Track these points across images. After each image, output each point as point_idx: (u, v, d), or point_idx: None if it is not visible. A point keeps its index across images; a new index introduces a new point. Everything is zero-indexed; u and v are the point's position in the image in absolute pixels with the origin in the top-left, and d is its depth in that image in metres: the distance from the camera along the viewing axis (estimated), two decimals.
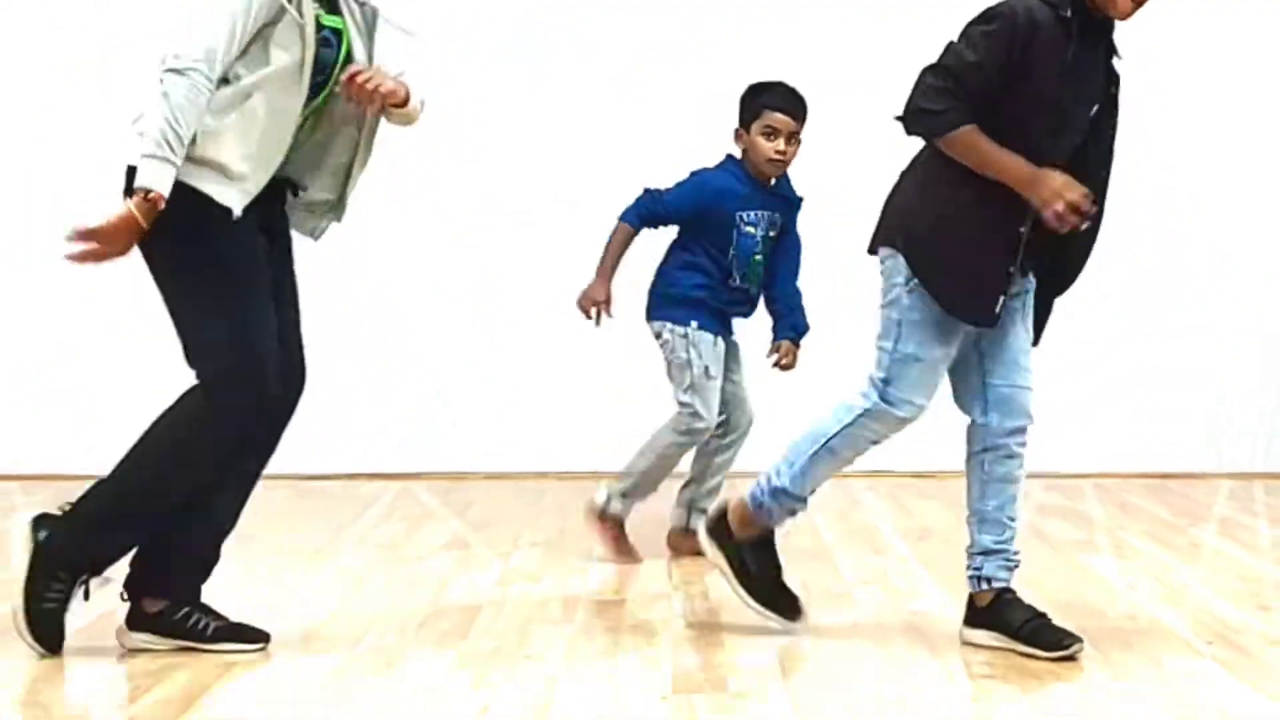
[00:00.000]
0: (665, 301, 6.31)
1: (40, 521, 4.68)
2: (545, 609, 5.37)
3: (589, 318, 6.34)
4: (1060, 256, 4.77)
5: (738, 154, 6.30)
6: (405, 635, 4.97)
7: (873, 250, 4.83)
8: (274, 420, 4.78)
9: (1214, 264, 8.53)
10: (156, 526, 4.76)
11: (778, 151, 6.20)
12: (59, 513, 4.71)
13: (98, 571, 4.75)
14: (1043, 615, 4.76)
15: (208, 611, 4.85)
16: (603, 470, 8.11)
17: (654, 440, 6.27)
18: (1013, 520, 4.85)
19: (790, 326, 6.45)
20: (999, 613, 4.80)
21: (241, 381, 4.62)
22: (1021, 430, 4.83)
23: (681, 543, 6.29)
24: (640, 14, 8.58)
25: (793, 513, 4.91)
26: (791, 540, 6.54)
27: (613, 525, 6.27)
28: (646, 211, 6.26)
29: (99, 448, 7.96)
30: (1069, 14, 4.55)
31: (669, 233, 6.39)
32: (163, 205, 4.43)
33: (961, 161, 4.57)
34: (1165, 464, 8.38)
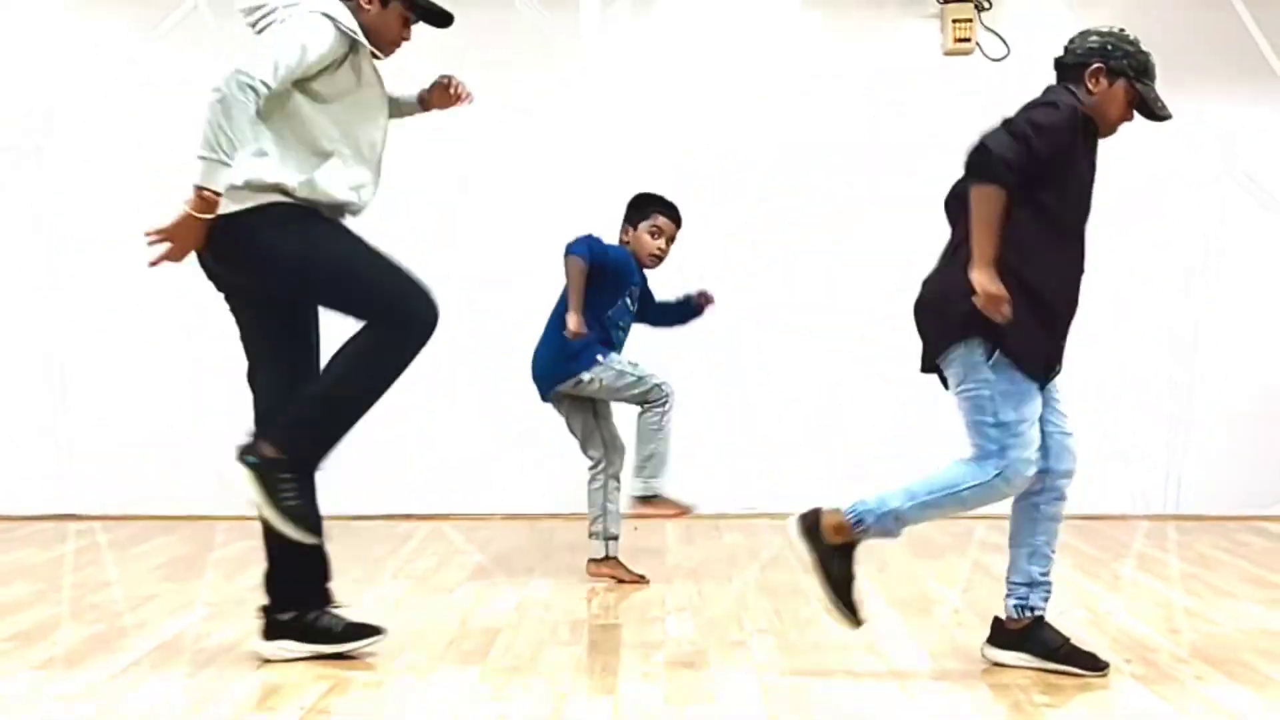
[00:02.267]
0: (568, 358, 6.37)
1: (245, 451, 4.59)
2: (556, 632, 5.36)
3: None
4: None
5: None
6: (435, 653, 4.97)
7: (937, 356, 4.80)
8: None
9: (1126, 328, 8.52)
10: (347, 430, 4.71)
11: (659, 248, 6.49)
12: (252, 438, 4.66)
13: (312, 468, 4.73)
14: (1069, 639, 4.80)
15: (333, 613, 4.90)
16: None
17: (643, 427, 6.38)
18: (1053, 554, 4.89)
19: (683, 301, 6.77)
20: (1036, 636, 4.81)
21: (424, 295, 4.64)
22: (1071, 474, 4.91)
23: (601, 568, 6.47)
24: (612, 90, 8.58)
25: (887, 535, 4.79)
26: (767, 575, 6.57)
27: (662, 500, 6.40)
28: (596, 250, 6.34)
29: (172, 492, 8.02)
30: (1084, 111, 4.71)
31: None
32: (217, 202, 4.43)
33: (972, 208, 4.50)
34: (1090, 507, 8.35)
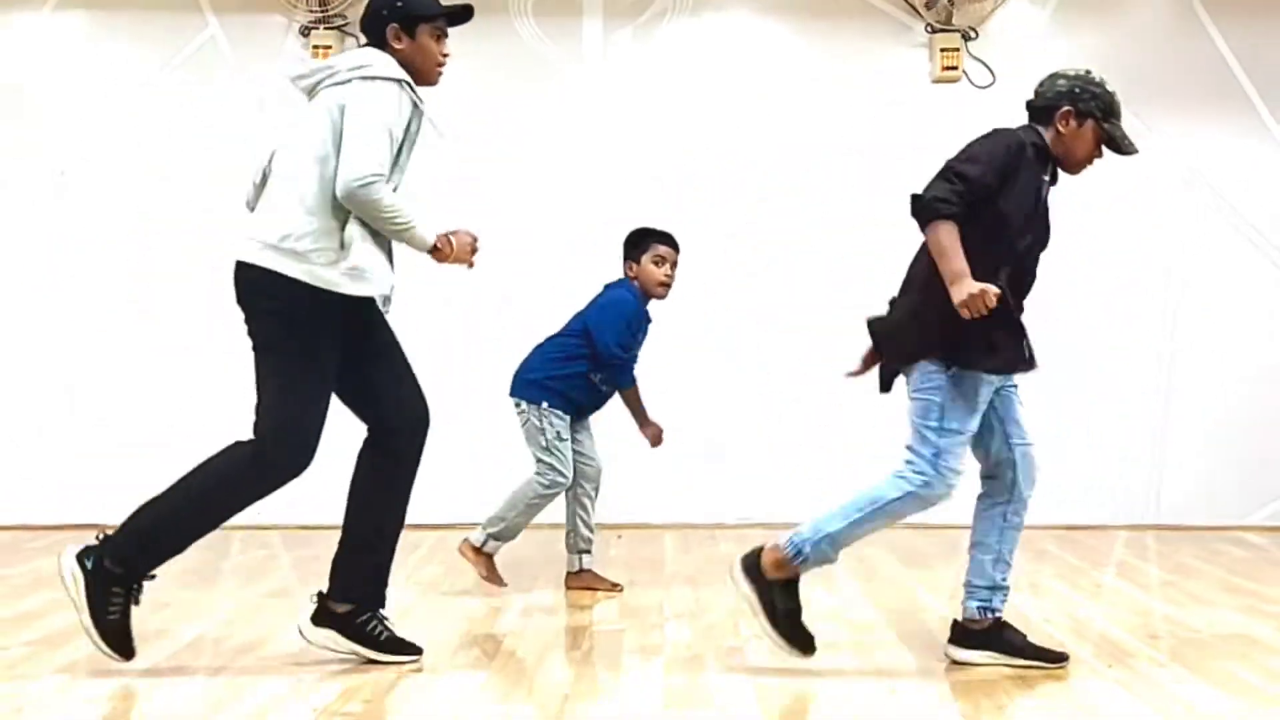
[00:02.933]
0: (526, 383, 6.49)
1: (84, 553, 4.67)
2: (559, 638, 5.38)
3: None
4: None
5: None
6: (443, 658, 4.97)
7: (897, 372, 4.92)
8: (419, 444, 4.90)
9: (1105, 344, 8.54)
10: (187, 545, 4.77)
11: (665, 275, 6.48)
12: (96, 541, 4.71)
13: (142, 580, 4.73)
14: (1027, 635, 4.91)
15: (383, 620, 4.90)
16: (606, 523, 8.16)
17: (521, 493, 6.47)
18: (1012, 561, 4.96)
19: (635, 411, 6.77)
20: (1001, 636, 4.89)
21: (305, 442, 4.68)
22: (1035, 483, 4.97)
23: (574, 581, 6.51)
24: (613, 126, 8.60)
25: (825, 562, 4.84)
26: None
27: (592, 576, 6.52)
28: (626, 342, 6.46)
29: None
30: (1041, 143, 4.86)
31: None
32: (441, 249, 4.70)
33: (929, 244, 4.66)
34: (1073, 518, 8.38)
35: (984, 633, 4.90)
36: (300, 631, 4.86)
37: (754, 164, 8.56)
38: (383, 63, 4.69)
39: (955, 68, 8.52)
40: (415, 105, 4.73)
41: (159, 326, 8.34)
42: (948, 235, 4.61)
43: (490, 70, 8.36)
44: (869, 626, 5.58)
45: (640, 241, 6.53)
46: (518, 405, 6.45)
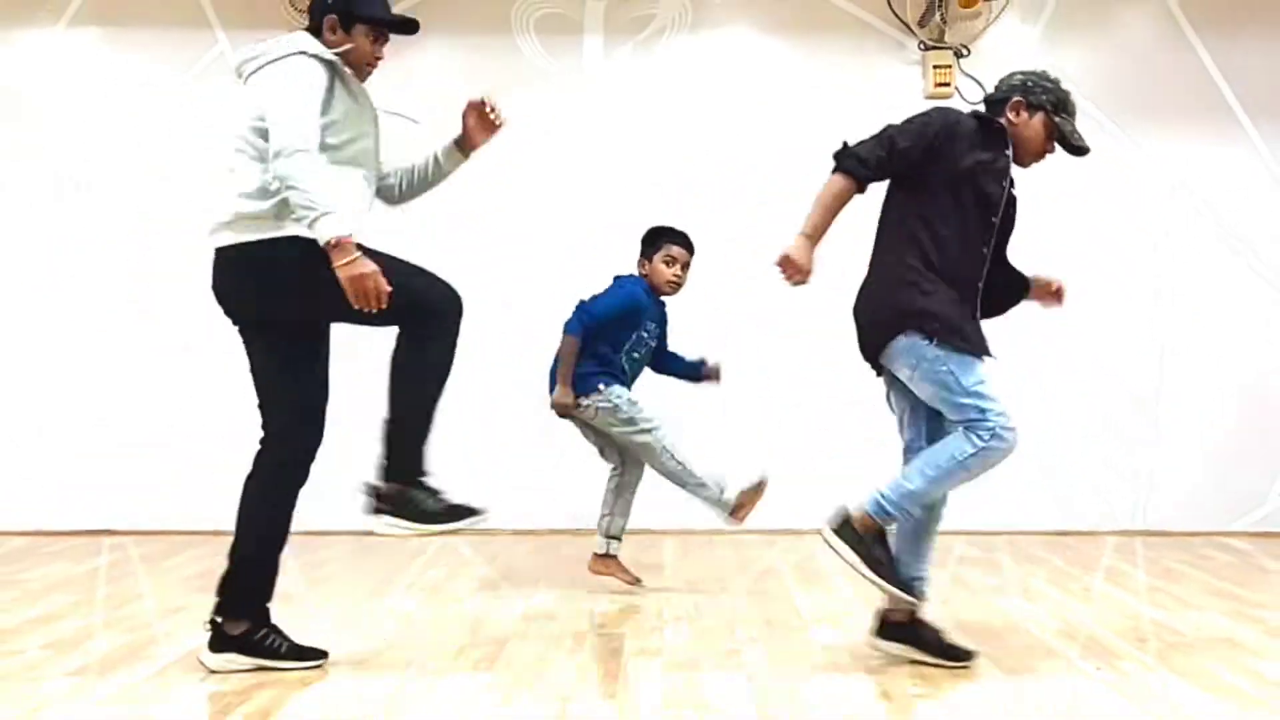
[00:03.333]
0: (585, 378, 6.44)
1: (214, 614, 4.80)
2: (560, 640, 5.38)
3: (566, 417, 6.51)
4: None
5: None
6: (446, 661, 4.98)
7: (878, 350, 4.93)
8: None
9: (1095, 353, 8.56)
10: (274, 563, 4.86)
11: (675, 275, 6.52)
12: (211, 626, 4.81)
13: (267, 617, 4.88)
14: (943, 633, 4.98)
15: (278, 632, 4.88)
16: None
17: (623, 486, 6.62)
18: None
19: (695, 363, 6.81)
20: (920, 632, 4.96)
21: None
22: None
23: (599, 565, 6.59)
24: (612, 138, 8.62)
25: (908, 516, 4.86)
26: (760, 583, 6.59)
27: (617, 564, 6.58)
28: (587, 321, 6.42)
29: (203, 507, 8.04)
30: (995, 125, 4.92)
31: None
32: (350, 243, 4.45)
33: (820, 190, 4.85)
34: (1063, 523, 8.40)
35: (906, 626, 4.95)
36: (200, 661, 4.84)
37: (752, 172, 8.58)
38: (304, 43, 4.71)
39: (948, 84, 8.53)
40: (339, 82, 4.74)
41: (169, 328, 8.36)
42: (839, 191, 4.82)
43: (494, 85, 8.34)
44: (863, 628, 5.59)
45: (655, 240, 6.58)
46: (580, 407, 6.44)
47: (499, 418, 8.40)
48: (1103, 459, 8.58)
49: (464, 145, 5.17)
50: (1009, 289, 5.18)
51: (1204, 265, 8.63)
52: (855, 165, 4.79)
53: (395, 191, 5.21)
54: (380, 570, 6.99)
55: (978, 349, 4.81)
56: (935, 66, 8.52)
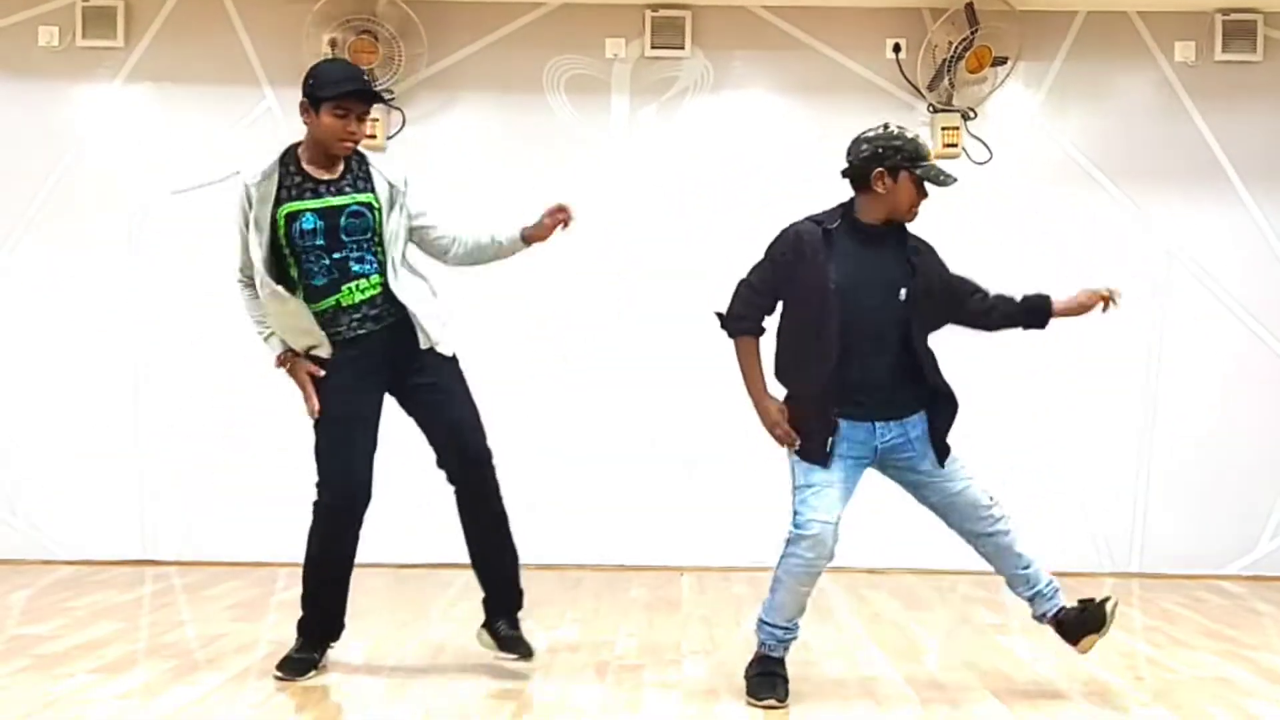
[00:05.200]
0: None
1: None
2: (583, 672, 5.39)
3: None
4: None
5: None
6: (475, 690, 5.00)
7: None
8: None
9: (1090, 401, 8.54)
10: (331, 598, 5.23)
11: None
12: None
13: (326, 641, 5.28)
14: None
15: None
16: (628, 564, 8.19)
17: None
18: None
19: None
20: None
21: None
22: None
23: None
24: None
25: (780, 641, 4.99)
26: None
27: None
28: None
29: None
30: (834, 227, 4.93)
31: None
32: (284, 365, 5.02)
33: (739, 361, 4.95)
34: (1062, 565, 8.35)
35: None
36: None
37: (770, 226, 8.54)
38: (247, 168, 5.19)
39: (955, 145, 8.56)
40: (251, 200, 5.05)
41: (210, 365, 8.40)
42: (744, 354, 4.91)
43: (526, 141, 8.44)
44: (871, 663, 5.59)
45: None
46: None
47: (522, 460, 8.41)
48: (1101, 505, 8.56)
49: (531, 238, 5.29)
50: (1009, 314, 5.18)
51: (1198, 320, 8.61)
52: (736, 325, 4.96)
53: (446, 254, 5.31)
54: (412, 602, 7.01)
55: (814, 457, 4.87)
56: (943, 128, 8.55)
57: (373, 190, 5.06)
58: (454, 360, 5.20)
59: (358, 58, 8.06)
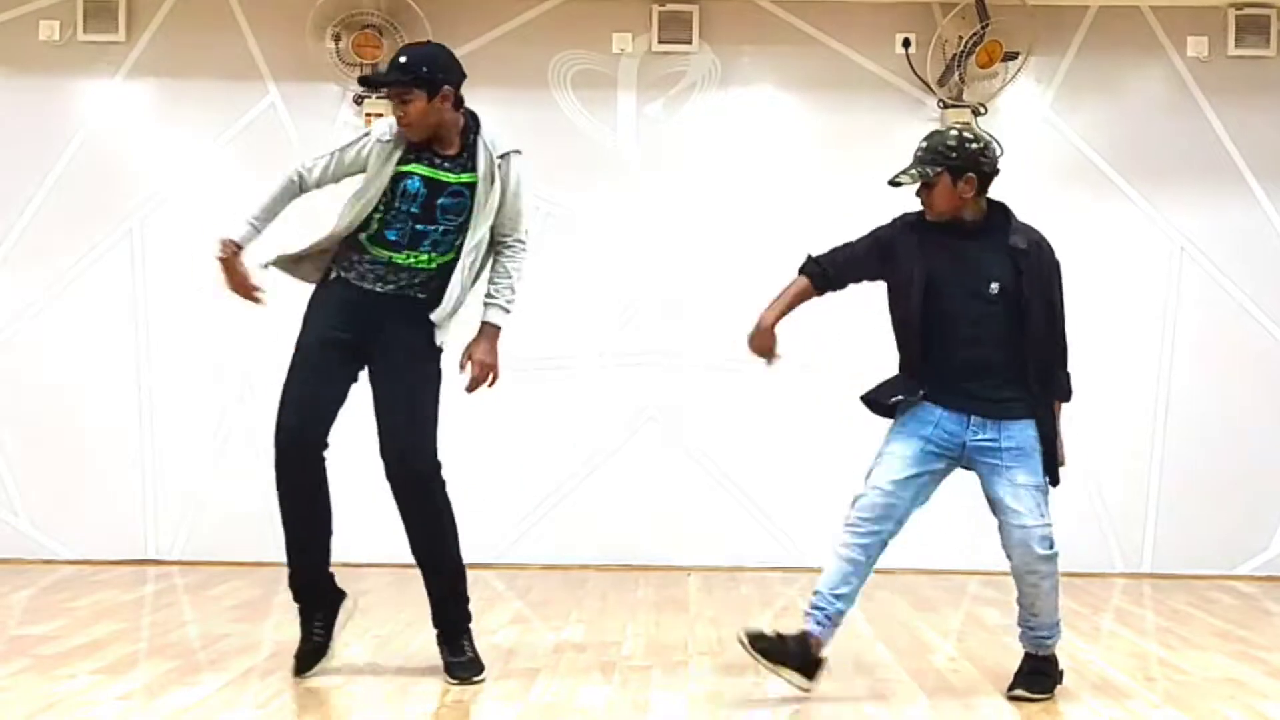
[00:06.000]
0: None
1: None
2: (589, 673, 5.38)
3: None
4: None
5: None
6: (480, 691, 5.00)
7: None
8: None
9: (1102, 400, 8.51)
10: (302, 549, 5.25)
11: None
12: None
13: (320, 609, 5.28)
14: None
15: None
16: (634, 563, 8.18)
17: None
18: None
19: None
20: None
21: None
22: None
23: None
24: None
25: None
26: (781, 620, 6.56)
27: None
28: None
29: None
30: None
31: None
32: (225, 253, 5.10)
33: None
34: (1073, 565, 8.32)
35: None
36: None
37: (776, 221, 8.54)
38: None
39: None
40: (371, 151, 5.15)
41: (213, 366, 8.40)
42: (790, 284, 5.17)
43: (531, 137, 8.39)
44: (881, 663, 5.59)
45: None
46: None
47: (530, 461, 8.41)
48: (1113, 505, 8.55)
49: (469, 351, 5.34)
50: None
51: (1209, 318, 8.60)
52: (809, 264, 5.20)
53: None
54: (418, 603, 6.98)
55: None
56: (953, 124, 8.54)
57: (475, 169, 5.13)
58: (436, 353, 5.16)
59: (361, 52, 8.08)
